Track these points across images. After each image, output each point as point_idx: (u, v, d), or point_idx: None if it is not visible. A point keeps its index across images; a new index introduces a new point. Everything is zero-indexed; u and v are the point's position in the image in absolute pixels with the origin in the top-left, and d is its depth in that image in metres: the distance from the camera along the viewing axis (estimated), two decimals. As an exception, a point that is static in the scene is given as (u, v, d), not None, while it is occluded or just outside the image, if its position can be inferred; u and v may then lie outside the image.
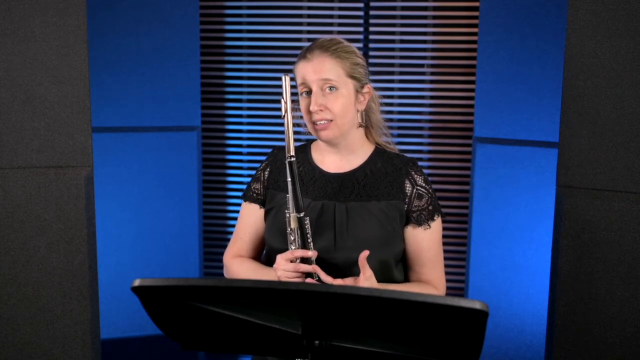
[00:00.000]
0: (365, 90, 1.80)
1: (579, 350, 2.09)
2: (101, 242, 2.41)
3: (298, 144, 1.93)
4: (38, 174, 2.11)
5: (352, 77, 1.76)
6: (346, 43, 1.80)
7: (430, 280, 1.81)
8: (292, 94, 1.68)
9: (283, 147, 1.82)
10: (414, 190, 1.78)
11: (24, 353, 2.14)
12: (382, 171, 1.80)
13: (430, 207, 1.78)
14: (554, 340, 2.12)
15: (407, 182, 1.79)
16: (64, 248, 2.14)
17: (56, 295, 2.14)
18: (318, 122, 1.73)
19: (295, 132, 1.69)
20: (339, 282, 1.65)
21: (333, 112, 1.73)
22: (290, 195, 1.66)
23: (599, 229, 2.03)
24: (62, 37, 2.08)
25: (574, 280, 2.08)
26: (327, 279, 1.65)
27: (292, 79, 1.81)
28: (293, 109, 1.70)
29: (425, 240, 1.79)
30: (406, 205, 1.78)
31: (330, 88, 1.73)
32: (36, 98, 2.08)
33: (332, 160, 1.83)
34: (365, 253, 1.64)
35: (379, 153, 1.84)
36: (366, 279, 1.63)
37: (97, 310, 2.21)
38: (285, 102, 1.66)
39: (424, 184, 1.79)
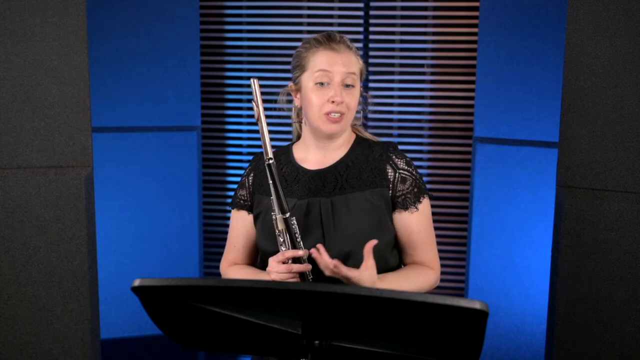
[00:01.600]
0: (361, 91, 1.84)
1: (579, 350, 2.09)
2: (101, 242, 2.41)
3: (285, 143, 1.94)
4: (38, 174, 2.11)
5: (360, 77, 1.80)
6: None
7: (424, 261, 1.81)
8: (262, 92, 1.68)
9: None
10: (397, 174, 1.77)
11: (24, 353, 2.14)
12: (363, 160, 1.80)
13: (416, 190, 1.78)
14: (554, 340, 2.12)
15: (388, 167, 1.78)
16: (64, 248, 2.14)
17: (56, 295, 2.14)
18: (332, 114, 1.73)
19: (272, 132, 1.70)
20: (334, 264, 1.62)
21: (349, 106, 1.74)
22: (273, 198, 1.66)
23: (599, 229, 2.03)
24: (62, 37, 2.07)
25: (574, 280, 2.08)
26: (327, 260, 1.63)
27: (293, 67, 1.80)
28: (265, 108, 1.69)
29: (414, 224, 1.78)
30: (390, 191, 1.77)
31: (347, 84, 1.75)
32: (36, 98, 2.08)
33: (315, 158, 1.82)
34: (372, 242, 1.63)
35: (359, 143, 1.84)
36: (366, 269, 1.62)
37: (97, 310, 2.21)
38: (258, 106, 1.66)
39: (406, 167, 1.79)
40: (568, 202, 2.07)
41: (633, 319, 2.02)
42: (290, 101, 1.87)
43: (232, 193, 3.40)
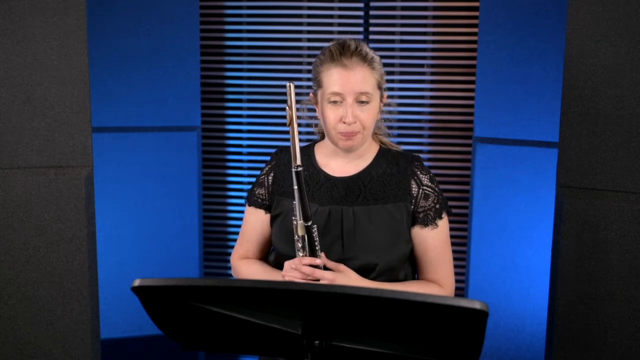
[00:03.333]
0: (384, 99, 1.79)
1: (579, 350, 2.09)
2: (101, 242, 2.41)
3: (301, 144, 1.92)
4: (38, 174, 2.11)
5: (380, 87, 1.75)
6: (371, 50, 1.77)
7: (436, 279, 1.80)
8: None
9: (285, 148, 1.80)
10: (420, 190, 1.77)
11: (24, 353, 2.14)
12: (388, 173, 1.79)
13: (437, 206, 1.78)
14: (554, 340, 2.12)
15: (413, 182, 1.78)
16: (64, 248, 2.14)
17: (56, 295, 2.14)
18: (346, 132, 1.71)
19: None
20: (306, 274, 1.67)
21: (364, 124, 1.71)
22: (297, 203, 1.63)
23: (599, 229, 2.03)
24: (62, 37, 2.07)
25: (574, 280, 2.08)
26: (323, 275, 1.66)
27: (312, 78, 1.77)
28: (297, 113, 1.67)
29: (430, 240, 1.78)
30: (413, 206, 1.77)
31: (362, 101, 1.70)
32: (36, 98, 2.08)
33: (338, 164, 1.81)
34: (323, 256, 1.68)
35: (384, 153, 1.83)
36: (339, 272, 1.67)
37: (97, 310, 2.21)
38: (291, 110, 1.62)
39: (429, 183, 1.79)
40: (568, 202, 2.07)
41: (633, 319, 2.02)
42: (309, 101, 1.84)
43: (232, 193, 3.43)
